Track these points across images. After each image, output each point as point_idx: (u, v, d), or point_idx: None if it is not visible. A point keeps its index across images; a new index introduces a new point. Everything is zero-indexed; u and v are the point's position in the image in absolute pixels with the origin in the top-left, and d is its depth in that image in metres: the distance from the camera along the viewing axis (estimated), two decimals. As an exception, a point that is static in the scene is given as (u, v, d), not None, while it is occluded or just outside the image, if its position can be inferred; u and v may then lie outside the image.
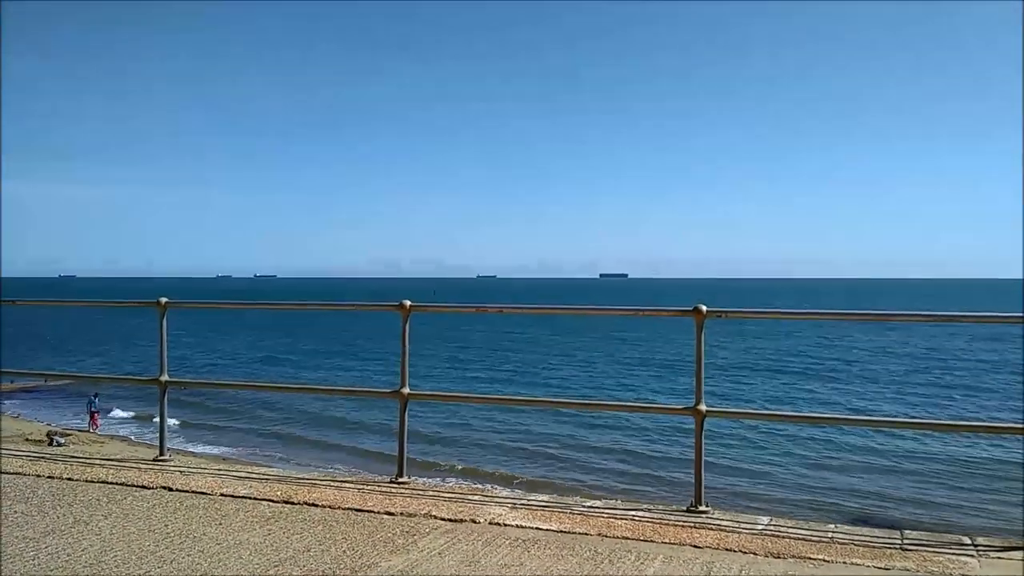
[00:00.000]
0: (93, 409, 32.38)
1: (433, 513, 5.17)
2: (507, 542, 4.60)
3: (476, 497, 5.69)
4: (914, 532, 4.89)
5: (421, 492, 5.81)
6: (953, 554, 4.43)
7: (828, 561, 4.28)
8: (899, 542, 4.62)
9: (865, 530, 4.95)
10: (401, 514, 5.17)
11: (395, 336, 6.41)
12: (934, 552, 4.45)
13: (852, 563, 4.25)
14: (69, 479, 6.14)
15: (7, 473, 6.28)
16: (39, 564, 4.19)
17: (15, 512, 5.17)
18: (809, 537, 4.70)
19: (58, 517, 5.07)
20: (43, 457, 7.05)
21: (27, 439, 23.13)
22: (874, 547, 4.51)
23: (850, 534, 4.79)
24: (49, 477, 6.19)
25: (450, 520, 5.04)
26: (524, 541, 4.61)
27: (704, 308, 5.46)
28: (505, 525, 4.94)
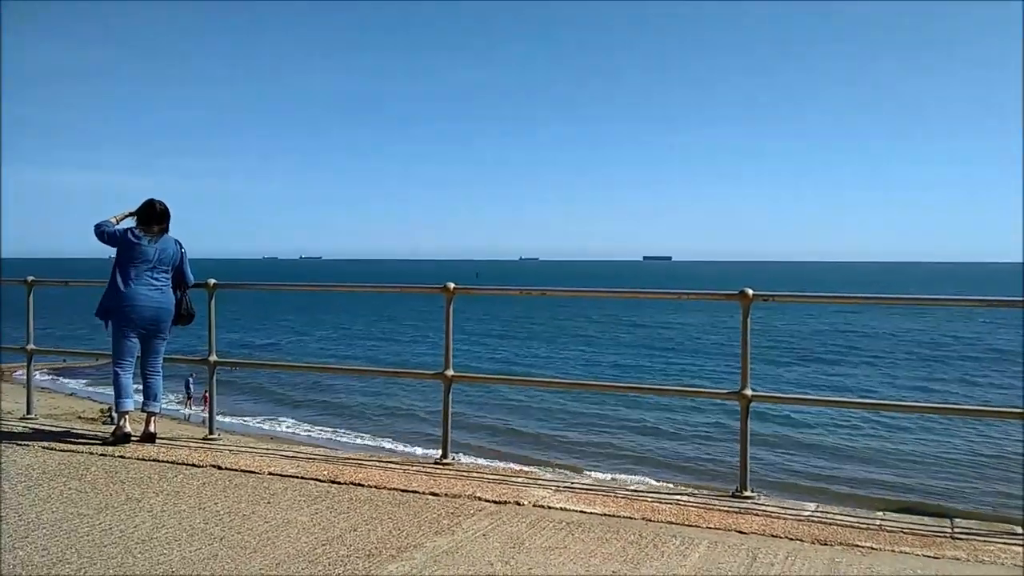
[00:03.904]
0: (201, 394, 31.28)
1: (477, 494, 5.19)
2: (551, 524, 4.61)
3: (520, 479, 5.71)
4: (965, 520, 4.81)
5: (465, 473, 5.85)
6: (1004, 543, 4.35)
7: (876, 549, 4.22)
8: (949, 530, 4.55)
9: (914, 518, 4.88)
10: (446, 495, 5.20)
11: (438, 317, 6.43)
12: (985, 541, 4.37)
13: (901, 551, 4.19)
14: (122, 457, 6.27)
15: (62, 450, 6.44)
16: (93, 540, 4.28)
17: (69, 489, 5.30)
18: (857, 524, 4.65)
19: (111, 494, 5.18)
20: (96, 435, 7.21)
21: (80, 417, 23.62)
22: (923, 535, 4.45)
23: (899, 522, 4.72)
24: (102, 455, 6.33)
25: (494, 502, 5.06)
26: (568, 524, 4.62)
27: (750, 292, 5.40)
28: (549, 508, 4.95)
